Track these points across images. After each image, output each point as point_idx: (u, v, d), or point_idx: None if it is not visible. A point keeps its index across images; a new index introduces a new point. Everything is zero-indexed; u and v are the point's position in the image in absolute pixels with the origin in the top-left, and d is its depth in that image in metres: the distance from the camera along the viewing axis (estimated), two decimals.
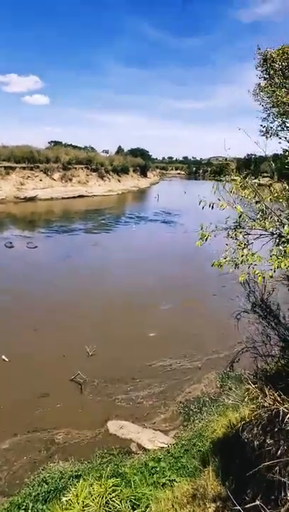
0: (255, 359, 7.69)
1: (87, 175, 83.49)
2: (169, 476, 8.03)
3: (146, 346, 15.05)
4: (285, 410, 4.69)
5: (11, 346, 14.22)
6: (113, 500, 6.87)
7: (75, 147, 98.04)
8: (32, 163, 71.06)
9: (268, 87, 7.87)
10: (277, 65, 7.77)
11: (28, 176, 68.45)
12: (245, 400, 6.06)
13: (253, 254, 4.88)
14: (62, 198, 68.48)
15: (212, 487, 6.44)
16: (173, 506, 6.62)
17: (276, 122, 8.02)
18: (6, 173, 64.87)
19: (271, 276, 4.72)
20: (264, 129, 8.14)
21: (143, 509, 6.85)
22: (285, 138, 7.72)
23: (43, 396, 11.65)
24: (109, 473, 7.98)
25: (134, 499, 7.07)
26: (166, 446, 9.65)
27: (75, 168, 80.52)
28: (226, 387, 12.11)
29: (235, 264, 4.98)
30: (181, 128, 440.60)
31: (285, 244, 4.78)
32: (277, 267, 4.52)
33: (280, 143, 7.61)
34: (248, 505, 4.18)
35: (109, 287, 21.85)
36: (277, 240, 5.10)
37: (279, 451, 4.97)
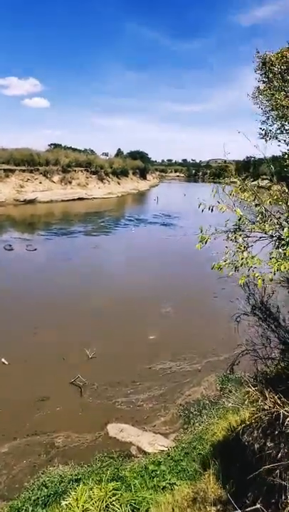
0: (255, 362, 7.70)
1: (87, 177, 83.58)
2: (170, 480, 8.00)
3: (146, 349, 15.03)
4: (286, 413, 4.68)
5: (10, 349, 14.19)
6: (113, 504, 6.86)
7: (74, 150, 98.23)
8: (32, 165, 71.10)
9: (267, 90, 7.89)
10: (276, 69, 7.78)
11: (28, 179, 68.47)
12: (246, 402, 6.04)
13: (252, 257, 4.89)
14: (62, 201, 68.54)
15: (212, 490, 6.42)
16: (173, 510, 6.60)
17: (275, 125, 8.02)
18: (5, 175, 64.84)
19: (271, 279, 4.72)
20: (263, 132, 8.16)
21: None
22: (284, 141, 7.74)
23: (43, 399, 11.62)
24: (109, 477, 7.97)
25: (135, 503, 7.05)
26: (167, 449, 9.62)
27: (75, 170, 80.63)
28: (226, 389, 12.07)
29: (235, 267, 4.99)
30: (180, 131, 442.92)
31: (285, 247, 4.78)
32: (277, 270, 4.53)
33: (279, 145, 7.63)
34: (249, 509, 4.17)
35: (109, 290, 21.83)
36: (277, 243, 5.11)
37: (279, 455, 4.96)
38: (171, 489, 7.59)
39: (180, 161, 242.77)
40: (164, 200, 77.02)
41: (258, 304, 7.69)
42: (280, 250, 4.87)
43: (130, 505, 6.98)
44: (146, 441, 10.09)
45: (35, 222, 48.41)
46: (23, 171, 68.76)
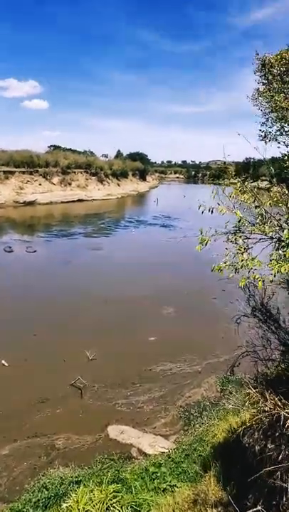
0: (255, 363, 7.70)
1: (87, 179, 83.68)
2: (170, 482, 7.99)
3: (147, 351, 15.02)
4: (286, 415, 4.68)
5: (10, 351, 14.18)
6: (114, 507, 6.85)
7: (74, 151, 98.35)
8: (31, 167, 71.30)
9: (266, 92, 7.91)
10: (275, 70, 7.81)
11: (28, 181, 68.58)
12: (246, 404, 6.04)
13: (252, 259, 4.90)
14: (62, 202, 68.61)
15: (213, 492, 6.42)
16: None
17: (275, 127, 8.05)
18: (5, 177, 64.99)
19: (271, 281, 4.73)
20: (263, 134, 8.18)
21: None
22: (284, 142, 7.76)
23: (43, 401, 11.61)
24: (110, 479, 7.95)
25: (135, 505, 7.04)
26: (167, 451, 9.61)
27: (75, 172, 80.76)
28: (226, 391, 12.05)
29: (235, 269, 5.00)
30: (180, 132, 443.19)
31: (285, 249, 4.79)
32: (278, 272, 4.54)
33: (278, 147, 7.65)
34: (250, 511, 4.17)
35: (109, 291, 21.81)
36: (277, 245, 5.11)
37: (280, 456, 4.96)
38: (172, 491, 7.58)
39: (180, 162, 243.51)
40: (164, 201, 77.05)
41: (258, 306, 7.69)
42: (280, 252, 4.88)
43: (131, 507, 6.97)
44: (147, 443, 10.08)
45: (34, 223, 48.46)
46: (23, 172, 68.91)
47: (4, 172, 65.41)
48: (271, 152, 7.36)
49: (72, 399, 11.91)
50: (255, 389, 5.56)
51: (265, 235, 5.14)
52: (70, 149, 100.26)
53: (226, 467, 6.86)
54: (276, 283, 6.75)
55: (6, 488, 8.59)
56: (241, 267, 4.92)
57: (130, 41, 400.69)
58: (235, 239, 5.31)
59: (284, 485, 4.60)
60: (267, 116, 8.19)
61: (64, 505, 7.11)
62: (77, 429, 10.53)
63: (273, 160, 8.02)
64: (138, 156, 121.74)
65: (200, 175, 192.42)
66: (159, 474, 8.31)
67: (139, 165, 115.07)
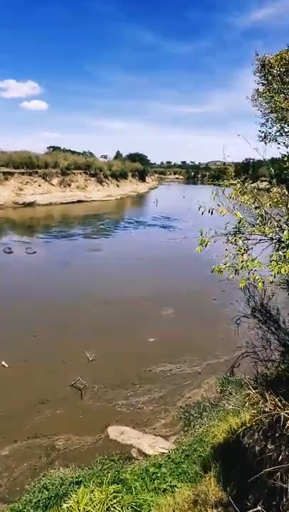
0: (255, 364, 7.71)
1: (86, 180, 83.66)
2: (170, 482, 8.00)
3: (146, 351, 15.02)
4: (286, 415, 4.69)
5: (10, 352, 14.18)
6: (114, 507, 6.85)
7: (73, 152, 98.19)
8: (31, 168, 71.18)
9: (266, 92, 7.92)
10: (275, 71, 7.82)
11: (27, 182, 68.55)
12: (246, 405, 6.06)
13: (252, 260, 4.91)
14: (61, 203, 68.54)
15: (213, 493, 6.42)
16: None
17: (275, 128, 8.05)
18: (4, 178, 64.95)
19: (271, 282, 4.74)
20: (262, 134, 8.19)
21: None
22: (284, 143, 7.77)
23: (43, 402, 11.61)
24: (110, 480, 7.96)
25: (136, 505, 7.05)
26: (167, 451, 9.61)
27: (74, 173, 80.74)
28: (226, 392, 12.06)
29: (235, 270, 5.01)
30: (179, 133, 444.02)
31: (285, 250, 4.80)
32: (278, 273, 4.55)
33: (278, 148, 7.66)
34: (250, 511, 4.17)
35: (109, 292, 21.81)
36: (277, 245, 5.13)
37: (280, 457, 4.97)
38: (172, 491, 7.59)
39: (179, 163, 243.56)
40: (163, 202, 77.01)
41: (258, 306, 7.71)
42: (280, 253, 4.89)
43: (131, 507, 6.97)
44: (147, 443, 10.09)
45: (34, 225, 48.45)
46: (22, 173, 68.86)
47: (3, 173, 65.35)
48: (271, 153, 7.38)
49: (72, 400, 11.91)
50: (255, 390, 5.57)
51: (265, 236, 5.15)
52: (69, 150, 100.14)
53: (226, 468, 6.87)
54: (276, 284, 6.76)
55: (6, 488, 8.60)
56: (241, 268, 4.93)
57: (131, 41, 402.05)
58: (235, 240, 5.32)
59: (284, 485, 4.61)
60: (267, 117, 8.20)
61: (64, 505, 7.11)
62: (78, 430, 10.54)
63: (273, 161, 8.03)
64: (137, 157, 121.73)
65: (199, 176, 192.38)
66: (159, 475, 8.32)
67: (138, 166, 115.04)
